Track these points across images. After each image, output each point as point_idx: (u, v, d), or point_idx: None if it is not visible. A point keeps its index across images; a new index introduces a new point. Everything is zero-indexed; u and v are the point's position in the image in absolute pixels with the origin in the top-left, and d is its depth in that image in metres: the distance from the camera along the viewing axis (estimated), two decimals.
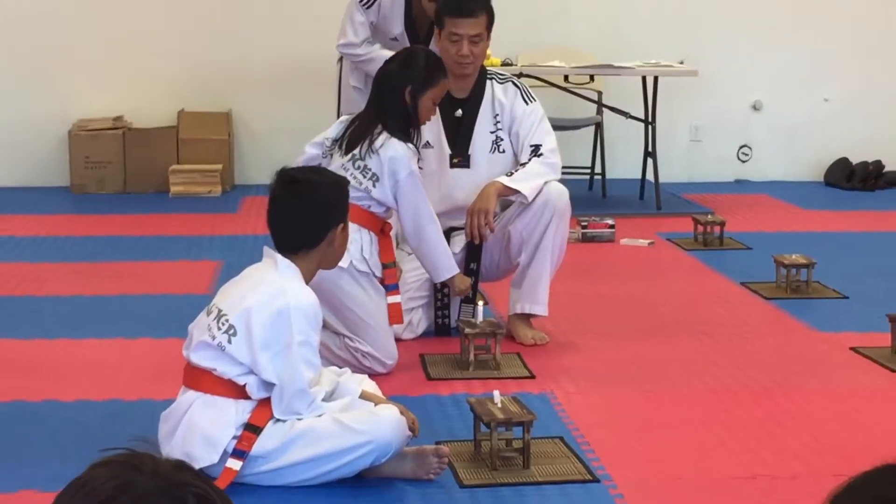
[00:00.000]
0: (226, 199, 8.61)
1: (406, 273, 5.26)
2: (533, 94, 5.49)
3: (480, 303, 5.08)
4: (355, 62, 6.38)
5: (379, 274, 4.92)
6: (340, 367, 4.14)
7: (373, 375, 4.37)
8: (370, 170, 4.85)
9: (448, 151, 5.42)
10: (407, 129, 4.91)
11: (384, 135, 4.87)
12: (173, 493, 1.37)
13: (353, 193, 4.73)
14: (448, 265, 5.06)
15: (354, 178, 4.74)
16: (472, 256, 5.34)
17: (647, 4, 9.25)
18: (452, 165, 5.42)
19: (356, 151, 4.87)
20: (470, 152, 5.41)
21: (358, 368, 4.65)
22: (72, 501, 1.38)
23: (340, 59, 6.68)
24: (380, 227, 4.94)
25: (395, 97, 4.90)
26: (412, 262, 5.33)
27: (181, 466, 1.43)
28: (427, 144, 5.31)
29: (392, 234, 5.05)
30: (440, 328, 5.40)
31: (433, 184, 5.33)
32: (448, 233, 5.37)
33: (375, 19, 6.26)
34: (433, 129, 5.35)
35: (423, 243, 5.03)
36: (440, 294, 5.36)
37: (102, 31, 8.96)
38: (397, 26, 6.27)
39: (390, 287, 4.94)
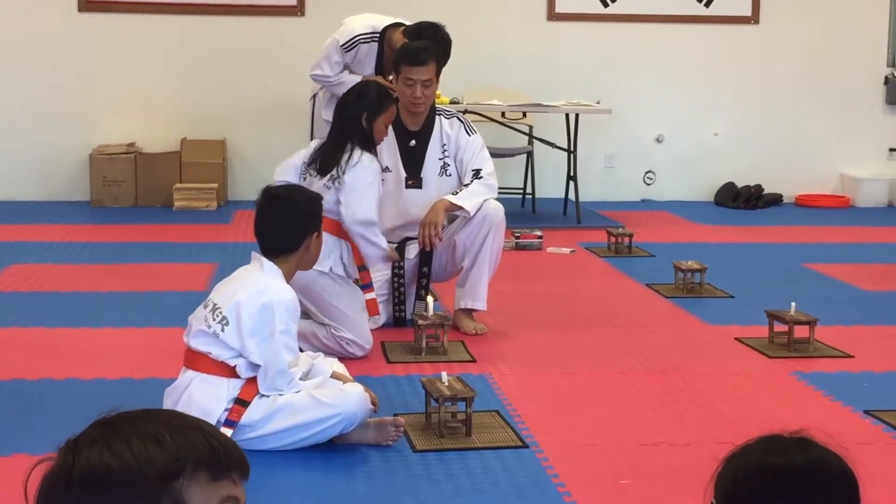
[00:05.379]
0: (220, 212, 8.56)
1: (371, 274, 5.24)
2: (474, 127, 5.49)
3: (431, 299, 5.08)
4: (326, 85, 6.31)
5: (356, 276, 4.91)
6: (326, 354, 4.14)
7: (342, 359, 4.36)
8: (347, 184, 4.83)
9: (404, 174, 5.41)
10: (368, 147, 4.90)
11: (357, 151, 4.84)
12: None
13: (334, 209, 4.73)
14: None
15: (334, 195, 4.75)
16: (424, 261, 5.34)
17: (570, 54, 9.28)
18: (408, 186, 5.41)
19: (333, 172, 4.84)
20: (422, 175, 5.40)
21: (342, 353, 4.64)
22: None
23: (313, 97, 6.62)
24: None
25: (354, 122, 4.88)
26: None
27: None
28: (386, 169, 5.30)
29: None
30: (398, 320, 5.38)
31: (391, 201, 5.32)
32: (404, 242, 5.37)
33: (351, 62, 6.21)
34: (391, 156, 5.34)
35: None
36: (398, 292, 5.35)
37: (119, 74, 8.92)
38: (369, 69, 6.21)
39: (366, 286, 4.93)
